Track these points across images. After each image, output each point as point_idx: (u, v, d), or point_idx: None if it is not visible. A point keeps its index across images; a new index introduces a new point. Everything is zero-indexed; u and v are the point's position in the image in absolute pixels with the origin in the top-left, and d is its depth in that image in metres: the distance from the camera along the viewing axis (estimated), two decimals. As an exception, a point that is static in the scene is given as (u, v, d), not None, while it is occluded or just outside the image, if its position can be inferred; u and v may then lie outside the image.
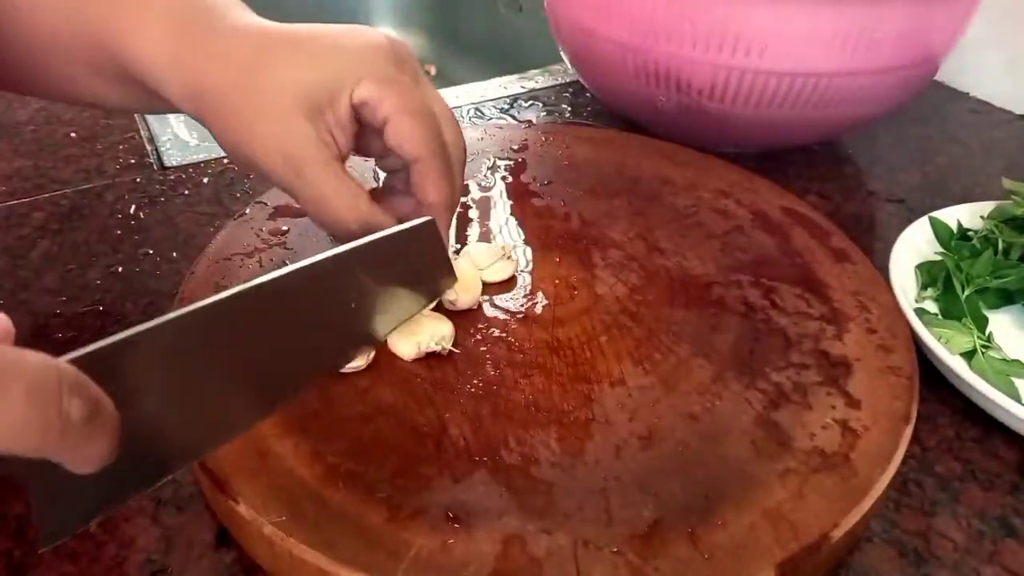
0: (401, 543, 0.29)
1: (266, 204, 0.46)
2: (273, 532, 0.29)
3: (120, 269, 0.47)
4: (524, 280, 0.43)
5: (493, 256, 0.42)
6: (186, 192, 0.54)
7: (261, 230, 0.45)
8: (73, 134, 0.61)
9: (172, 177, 0.56)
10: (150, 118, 0.63)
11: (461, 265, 0.40)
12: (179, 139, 0.61)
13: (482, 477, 0.32)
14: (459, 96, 0.69)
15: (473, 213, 0.48)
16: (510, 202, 0.49)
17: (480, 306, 0.41)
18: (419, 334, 0.37)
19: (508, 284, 0.42)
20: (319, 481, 0.31)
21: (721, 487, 0.32)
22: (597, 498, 0.31)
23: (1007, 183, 0.50)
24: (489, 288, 0.42)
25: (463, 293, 0.40)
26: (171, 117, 0.64)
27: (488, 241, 0.45)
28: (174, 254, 0.48)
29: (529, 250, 0.45)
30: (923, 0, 0.49)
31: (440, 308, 0.40)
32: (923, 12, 0.49)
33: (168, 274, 0.47)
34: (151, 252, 0.49)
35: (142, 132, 0.62)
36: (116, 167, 0.57)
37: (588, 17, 0.55)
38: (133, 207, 0.53)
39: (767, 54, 0.49)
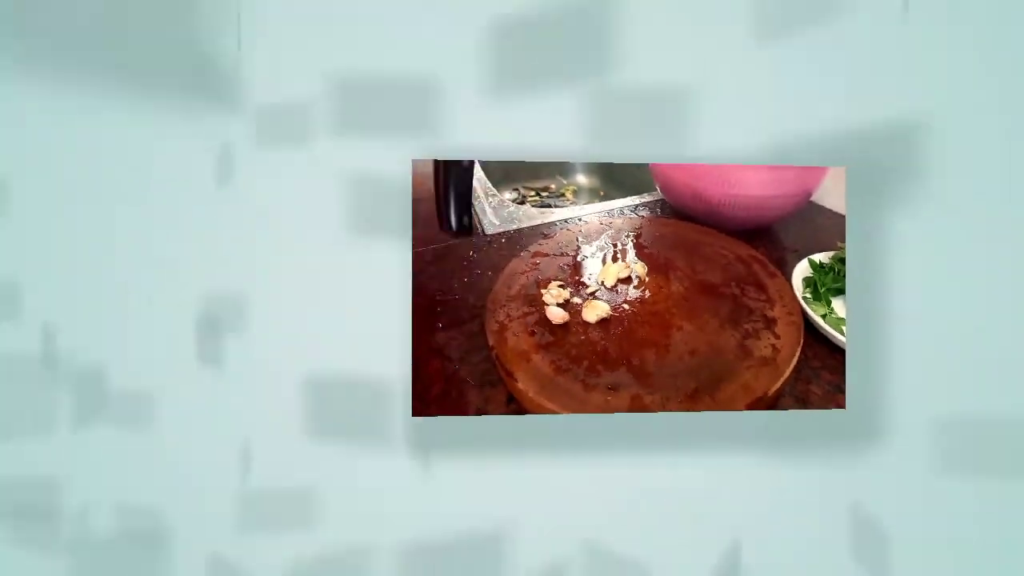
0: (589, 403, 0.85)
1: (528, 249, 1.00)
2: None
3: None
4: (636, 283, 0.99)
5: (620, 272, 0.98)
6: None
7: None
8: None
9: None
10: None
11: (600, 306, 0.96)
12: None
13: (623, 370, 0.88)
14: (615, 205, 1.20)
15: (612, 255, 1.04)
16: (634, 250, 1.05)
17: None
18: (598, 309, 0.92)
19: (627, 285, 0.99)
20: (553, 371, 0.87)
21: (720, 374, 0.89)
22: (670, 380, 0.88)
23: (839, 244, 1.08)
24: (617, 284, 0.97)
25: (602, 312, 0.96)
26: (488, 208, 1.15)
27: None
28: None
29: (642, 269, 1.00)
30: (802, 170, 1.06)
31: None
32: (804, 174, 1.06)
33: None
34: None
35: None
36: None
37: (675, 175, 1.10)
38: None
39: (738, 188, 1.05)
